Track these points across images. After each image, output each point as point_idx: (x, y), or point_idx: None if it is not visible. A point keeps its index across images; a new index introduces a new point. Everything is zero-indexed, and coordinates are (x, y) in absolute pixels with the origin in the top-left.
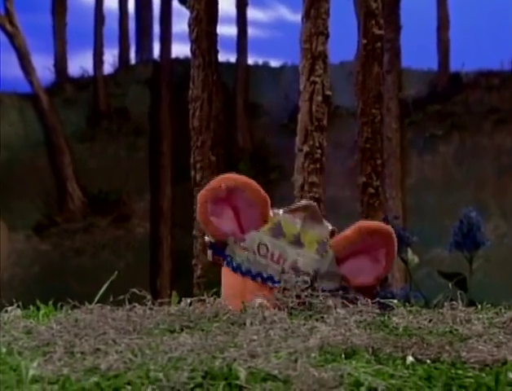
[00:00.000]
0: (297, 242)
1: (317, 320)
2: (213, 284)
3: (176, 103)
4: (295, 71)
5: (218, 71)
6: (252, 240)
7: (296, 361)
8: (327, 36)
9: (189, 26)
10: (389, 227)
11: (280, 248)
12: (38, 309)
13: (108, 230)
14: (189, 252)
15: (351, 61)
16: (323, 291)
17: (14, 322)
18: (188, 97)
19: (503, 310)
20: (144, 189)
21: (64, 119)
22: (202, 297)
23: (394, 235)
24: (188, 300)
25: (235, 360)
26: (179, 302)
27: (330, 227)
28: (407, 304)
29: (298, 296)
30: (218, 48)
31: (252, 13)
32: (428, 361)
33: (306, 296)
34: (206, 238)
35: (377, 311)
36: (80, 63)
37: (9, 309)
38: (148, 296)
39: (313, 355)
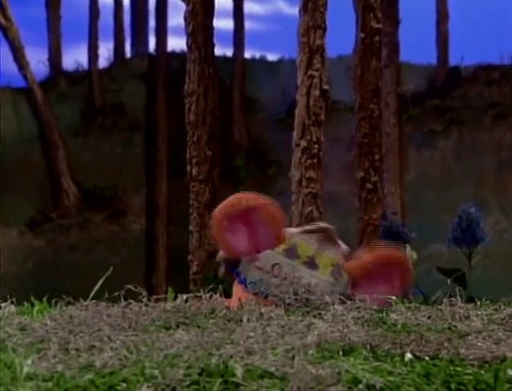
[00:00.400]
0: (311, 263)
1: (314, 317)
2: (209, 281)
3: (172, 98)
4: (292, 65)
5: (214, 65)
6: (266, 260)
7: (293, 358)
8: (325, 29)
9: (185, 19)
10: (404, 257)
11: (294, 269)
12: (32, 305)
13: (103, 226)
14: (185, 248)
15: (349, 55)
16: None
17: (8, 319)
18: (184, 91)
19: (502, 307)
20: (140, 184)
21: (59, 113)
22: (198, 294)
23: (404, 258)
24: (184, 297)
25: (231, 357)
26: (175, 299)
27: (345, 249)
28: (405, 300)
29: (296, 293)
30: (215, 42)
31: (249, 6)
32: (427, 358)
33: (303, 292)
34: (220, 254)
35: (375, 308)
36: (74, 57)
37: (3, 305)
38: (144, 293)
39: (310, 352)
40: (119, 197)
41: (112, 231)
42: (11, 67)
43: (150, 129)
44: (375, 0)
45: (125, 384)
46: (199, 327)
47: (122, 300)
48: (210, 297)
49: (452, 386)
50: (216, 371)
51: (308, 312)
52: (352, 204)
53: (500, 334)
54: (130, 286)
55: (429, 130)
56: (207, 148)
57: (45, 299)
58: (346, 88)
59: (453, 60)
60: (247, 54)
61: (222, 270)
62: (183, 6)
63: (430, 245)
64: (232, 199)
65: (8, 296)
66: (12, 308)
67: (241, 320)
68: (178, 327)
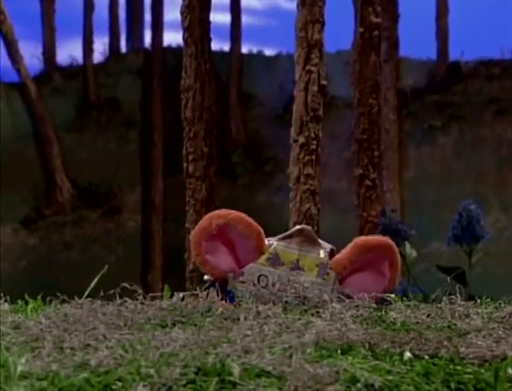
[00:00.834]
0: (296, 268)
1: (312, 315)
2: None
3: (168, 93)
4: (290, 60)
5: (211, 60)
6: (250, 273)
7: (291, 357)
8: (323, 24)
9: (181, 13)
10: (387, 239)
11: (280, 278)
12: (27, 303)
13: (98, 224)
14: (181, 246)
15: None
16: None
17: (1, 317)
18: (180, 87)
19: (503, 305)
20: (135, 181)
21: (53, 109)
22: (195, 292)
23: (394, 246)
24: (181, 295)
25: (228, 356)
26: (171, 297)
27: (329, 247)
28: (405, 298)
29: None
30: (212, 36)
31: (246, 0)
32: (426, 356)
33: (302, 290)
34: (205, 277)
35: (374, 306)
36: (69, 52)
37: None
38: (140, 291)
39: (308, 351)
40: (114, 194)
41: (108, 229)
42: (5, 61)
43: (146, 125)
44: None
45: (120, 383)
46: (195, 325)
47: (118, 298)
48: (207, 295)
49: (452, 385)
50: (213, 369)
51: (306, 310)
52: (351, 201)
53: (500, 332)
54: (125, 284)
55: (429, 126)
56: (204, 144)
57: (39, 297)
58: (344, 83)
59: (453, 55)
60: (244, 49)
61: (212, 294)
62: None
63: (430, 243)
64: (203, 221)
65: (2, 294)
66: (6, 306)
67: (238, 319)
68: (174, 325)
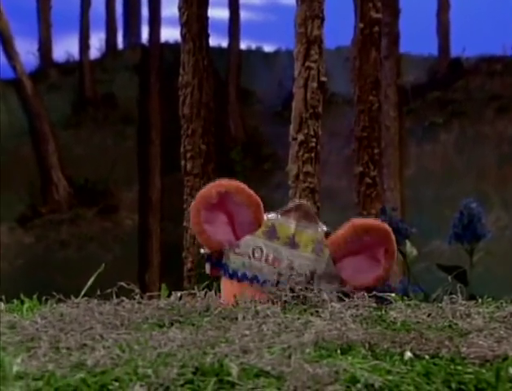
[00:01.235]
0: (291, 243)
1: (312, 314)
2: (203, 278)
3: (165, 90)
4: (289, 56)
5: (209, 56)
6: (246, 245)
7: (290, 356)
8: (323, 19)
9: (179, 9)
10: (385, 225)
11: (274, 251)
12: (22, 302)
13: (95, 222)
14: (179, 244)
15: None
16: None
17: None
18: (178, 83)
19: (504, 304)
20: (133, 179)
21: (49, 105)
22: (193, 291)
23: (391, 233)
24: (178, 294)
25: (226, 356)
26: (169, 296)
27: (325, 228)
28: (405, 298)
29: (292, 290)
30: (210, 32)
31: None
32: (427, 356)
33: (300, 289)
34: (202, 250)
35: (374, 305)
36: (65, 48)
37: None
38: (137, 290)
39: (307, 351)
40: (111, 192)
41: (104, 227)
42: (0, 58)
43: (143, 121)
44: None
45: (117, 384)
46: (193, 325)
47: (114, 297)
48: (205, 295)
49: (453, 385)
50: (211, 370)
51: (305, 310)
52: (351, 199)
53: (501, 332)
54: (122, 283)
55: (430, 123)
56: (202, 142)
57: (35, 296)
58: (344, 80)
59: (455, 51)
60: (243, 45)
61: (207, 268)
62: None
63: (431, 242)
64: (205, 189)
65: None
66: (1, 305)
67: (236, 318)
68: (171, 325)
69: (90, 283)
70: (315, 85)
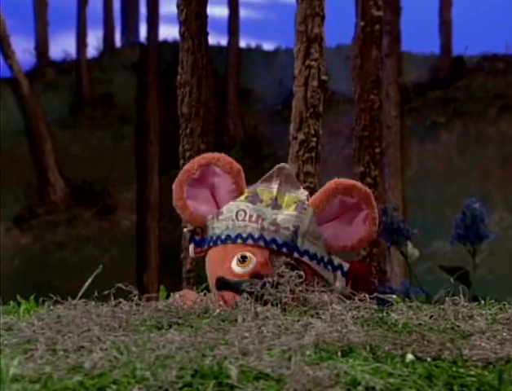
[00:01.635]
0: (274, 204)
1: (312, 316)
2: (202, 279)
3: (164, 89)
4: (289, 54)
5: (208, 54)
6: (229, 210)
7: (290, 359)
8: (323, 17)
9: (178, 7)
10: (366, 188)
11: (258, 211)
12: (19, 304)
13: (92, 223)
14: (178, 245)
15: (349, 44)
16: (309, 255)
17: None
18: (177, 82)
19: (507, 306)
20: (131, 179)
21: (46, 105)
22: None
23: (371, 195)
24: (177, 295)
25: (226, 358)
26: (167, 297)
27: (306, 193)
28: (407, 299)
29: (292, 291)
30: (209, 30)
31: None
32: (428, 359)
33: (300, 291)
34: (185, 229)
35: (376, 307)
36: (62, 46)
37: None
38: (135, 292)
39: (308, 353)
40: (108, 192)
41: (102, 228)
42: None
43: (141, 121)
44: None
45: (115, 386)
46: (192, 327)
47: (112, 299)
48: (204, 296)
49: (455, 388)
50: (210, 372)
51: (305, 311)
52: None
53: (504, 334)
54: (120, 284)
55: (432, 123)
56: (201, 141)
57: (32, 298)
58: (345, 79)
59: (457, 50)
60: (242, 44)
61: (191, 250)
62: None
63: (433, 242)
64: (188, 164)
65: None
66: None
67: (236, 320)
68: (170, 327)
69: (87, 284)
70: (315, 83)
